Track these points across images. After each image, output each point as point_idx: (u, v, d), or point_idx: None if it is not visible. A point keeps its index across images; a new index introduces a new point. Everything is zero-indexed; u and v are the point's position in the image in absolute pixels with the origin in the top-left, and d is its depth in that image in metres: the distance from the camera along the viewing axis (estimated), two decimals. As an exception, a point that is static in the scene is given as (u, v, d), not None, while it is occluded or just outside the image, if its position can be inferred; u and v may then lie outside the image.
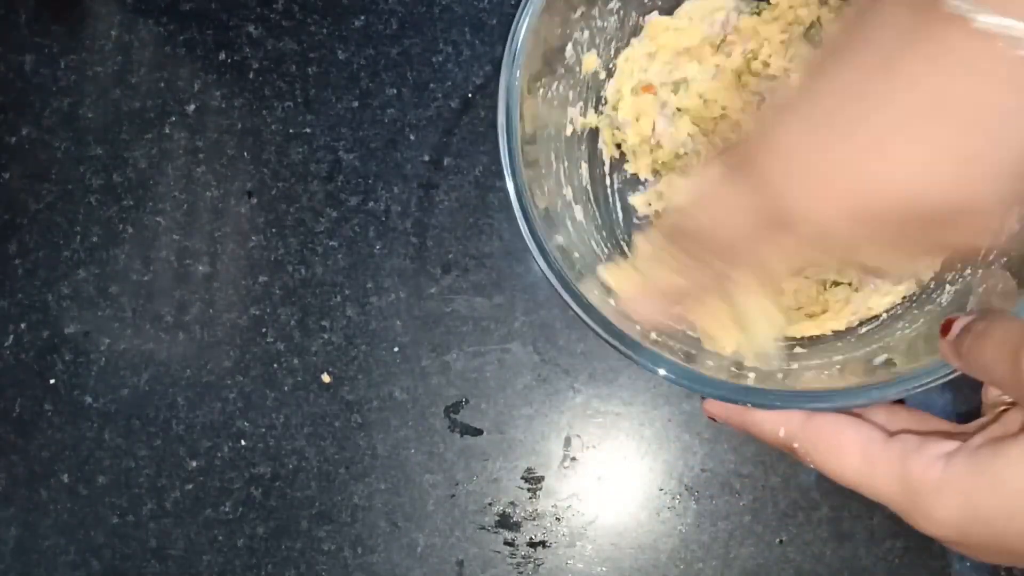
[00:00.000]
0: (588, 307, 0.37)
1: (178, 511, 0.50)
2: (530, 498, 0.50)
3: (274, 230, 0.51)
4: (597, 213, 0.47)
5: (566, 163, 0.45)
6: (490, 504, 0.50)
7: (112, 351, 0.51)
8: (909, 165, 0.26)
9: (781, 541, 0.48)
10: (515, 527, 0.49)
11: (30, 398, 0.51)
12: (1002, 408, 0.34)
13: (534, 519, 0.50)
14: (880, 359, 0.40)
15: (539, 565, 0.49)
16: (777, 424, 0.36)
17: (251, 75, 0.52)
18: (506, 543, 0.50)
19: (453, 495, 0.50)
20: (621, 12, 0.45)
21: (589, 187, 0.47)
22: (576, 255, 0.42)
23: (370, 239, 0.51)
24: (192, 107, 0.52)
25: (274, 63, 0.52)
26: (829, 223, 0.27)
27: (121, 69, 0.52)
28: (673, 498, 0.49)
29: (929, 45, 0.25)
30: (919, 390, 0.36)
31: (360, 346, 0.50)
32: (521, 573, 0.49)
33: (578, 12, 0.43)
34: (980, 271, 0.41)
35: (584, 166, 0.47)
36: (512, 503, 0.50)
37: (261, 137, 0.52)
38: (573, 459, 0.50)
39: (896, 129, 0.26)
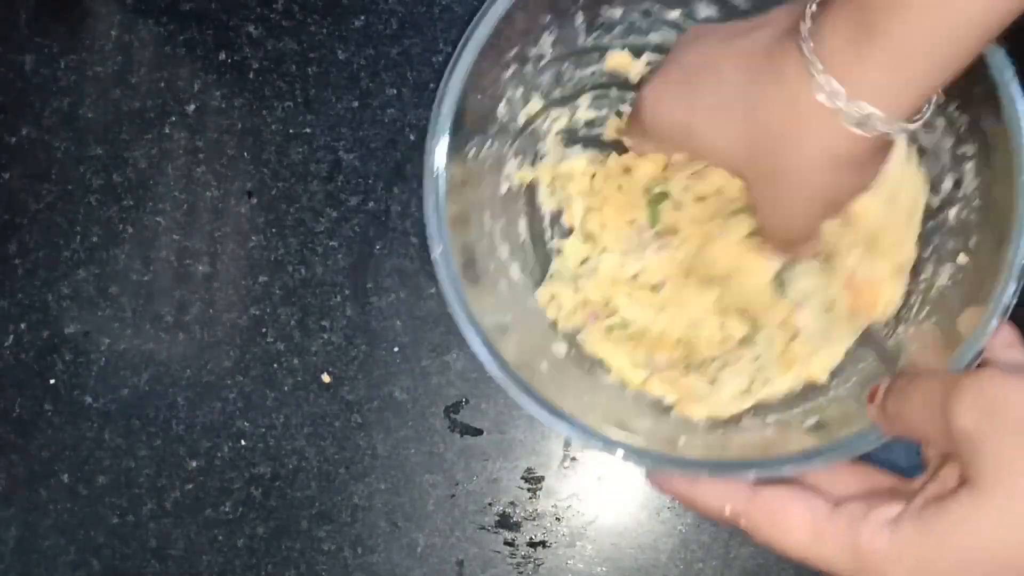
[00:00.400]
0: (529, 389, 0.37)
1: (178, 511, 0.50)
2: (530, 498, 0.50)
3: (274, 230, 0.51)
4: (538, 267, 0.46)
5: (503, 221, 0.45)
6: (490, 504, 0.50)
7: (112, 351, 0.51)
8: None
9: (781, 541, 0.48)
10: (515, 527, 0.50)
11: (30, 398, 0.51)
12: (941, 460, 0.34)
13: (534, 519, 0.50)
14: (811, 422, 0.40)
15: (539, 565, 0.49)
16: (722, 500, 0.36)
17: (251, 75, 0.52)
18: (506, 543, 0.50)
19: (453, 495, 0.50)
20: (557, 66, 0.44)
21: (529, 242, 0.47)
22: (509, 324, 0.41)
23: (370, 239, 0.51)
24: (192, 107, 0.52)
25: (274, 63, 0.52)
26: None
27: (121, 69, 0.52)
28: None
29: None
30: (855, 454, 0.36)
31: (360, 346, 0.50)
32: (521, 573, 0.49)
33: (510, 71, 0.42)
34: (911, 329, 0.40)
35: (523, 221, 0.46)
36: (512, 503, 0.50)
37: (261, 137, 0.52)
38: (573, 459, 0.50)
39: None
